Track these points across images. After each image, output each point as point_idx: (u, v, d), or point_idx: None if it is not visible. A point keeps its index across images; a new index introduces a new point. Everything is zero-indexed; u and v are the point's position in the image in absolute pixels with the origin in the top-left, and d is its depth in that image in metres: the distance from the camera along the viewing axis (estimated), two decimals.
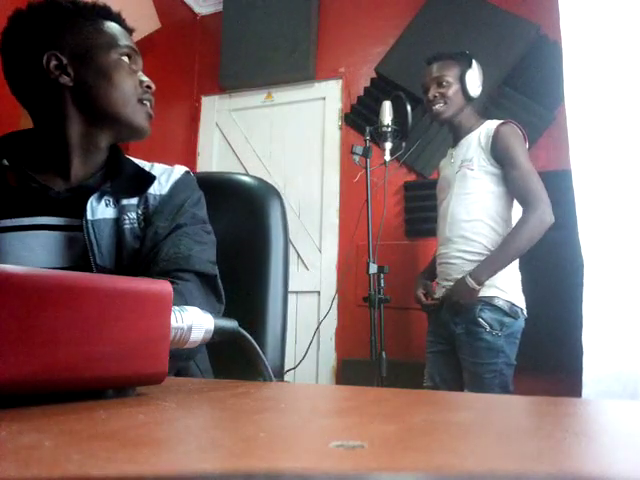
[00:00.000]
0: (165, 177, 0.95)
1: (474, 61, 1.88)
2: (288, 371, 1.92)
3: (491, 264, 1.69)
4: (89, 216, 0.85)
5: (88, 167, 0.92)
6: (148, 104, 0.93)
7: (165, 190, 0.92)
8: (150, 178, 0.92)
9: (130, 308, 0.34)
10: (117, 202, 0.89)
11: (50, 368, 0.30)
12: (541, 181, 1.73)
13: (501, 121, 1.81)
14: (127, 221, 0.87)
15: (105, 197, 0.88)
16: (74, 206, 0.86)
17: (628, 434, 0.26)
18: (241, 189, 1.12)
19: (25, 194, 0.87)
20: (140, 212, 0.89)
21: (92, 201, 0.86)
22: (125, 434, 0.24)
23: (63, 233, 0.86)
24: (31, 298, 0.29)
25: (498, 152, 1.76)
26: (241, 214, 1.09)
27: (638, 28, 1.75)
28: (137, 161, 0.98)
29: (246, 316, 0.95)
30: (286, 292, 1.06)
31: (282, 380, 1.05)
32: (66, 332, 0.31)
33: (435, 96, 1.87)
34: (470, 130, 1.86)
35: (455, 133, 1.93)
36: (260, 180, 1.14)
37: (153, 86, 0.94)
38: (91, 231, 0.84)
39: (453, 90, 1.85)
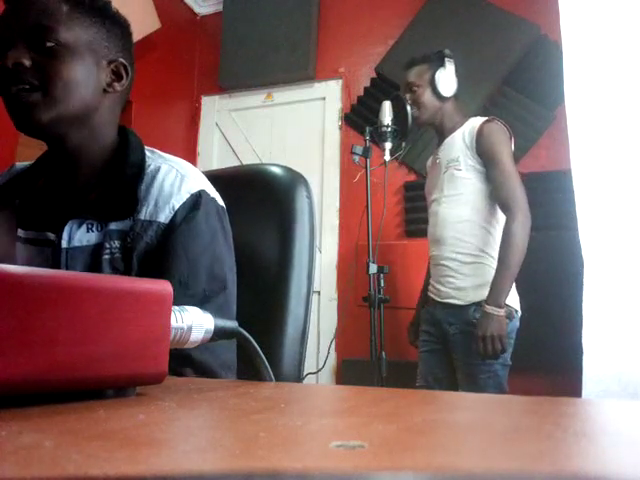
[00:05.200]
0: (165, 198, 0.77)
1: (447, 59, 1.86)
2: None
3: (502, 283, 1.64)
4: (64, 244, 0.76)
5: (84, 169, 0.81)
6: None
7: (160, 217, 0.77)
8: (134, 202, 0.77)
9: (130, 308, 0.34)
10: (105, 224, 0.77)
11: (50, 368, 0.30)
12: (521, 183, 1.70)
13: (485, 118, 1.79)
14: (107, 250, 0.76)
15: (88, 221, 0.77)
16: (55, 222, 0.78)
17: (628, 434, 0.26)
18: (264, 180, 1.01)
19: (34, 206, 0.82)
20: (129, 239, 0.76)
21: (72, 225, 0.77)
22: (125, 434, 0.24)
23: (36, 248, 0.79)
24: (31, 298, 0.29)
25: (482, 150, 1.74)
26: (265, 206, 0.98)
27: (638, 28, 1.75)
28: (149, 153, 0.84)
29: (264, 316, 0.92)
30: (310, 292, 0.95)
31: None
32: (66, 332, 0.31)
33: (409, 104, 1.88)
34: (453, 129, 1.85)
35: (438, 133, 1.92)
36: (285, 168, 1.02)
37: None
38: (63, 260, 0.76)
39: (424, 94, 1.85)
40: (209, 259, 0.77)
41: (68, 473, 0.17)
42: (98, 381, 0.33)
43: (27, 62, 0.72)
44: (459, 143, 1.80)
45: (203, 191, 0.80)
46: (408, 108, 2.04)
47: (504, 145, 1.74)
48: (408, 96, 1.88)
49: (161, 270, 0.75)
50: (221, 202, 0.84)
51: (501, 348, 1.62)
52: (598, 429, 0.29)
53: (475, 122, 1.80)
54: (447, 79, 1.86)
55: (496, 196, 1.73)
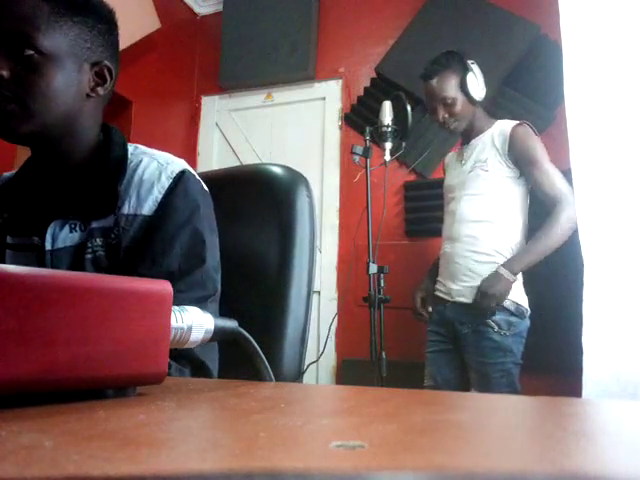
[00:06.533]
0: (147, 188, 0.76)
1: (468, 62, 1.85)
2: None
3: (525, 256, 1.71)
4: (48, 245, 0.75)
5: (68, 170, 0.80)
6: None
7: (144, 209, 0.76)
8: (114, 198, 0.76)
9: (130, 308, 0.34)
10: (88, 223, 0.76)
11: (50, 368, 0.30)
12: (566, 180, 1.74)
13: (515, 122, 1.80)
14: (90, 249, 0.75)
15: (71, 221, 0.76)
16: (40, 225, 0.77)
17: (628, 434, 0.26)
18: (264, 180, 1.00)
19: (22, 212, 0.82)
20: (113, 235, 0.75)
21: (55, 227, 0.76)
22: (125, 434, 0.24)
23: (23, 253, 0.78)
24: (31, 298, 0.29)
25: (517, 154, 1.76)
26: (265, 206, 0.98)
27: (638, 28, 1.75)
28: (132, 150, 0.82)
29: (265, 316, 0.92)
30: (310, 292, 0.95)
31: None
32: (66, 332, 0.31)
33: (445, 117, 1.85)
34: (482, 130, 1.86)
35: (465, 134, 1.92)
36: (285, 168, 1.01)
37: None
38: (48, 262, 0.75)
39: (460, 104, 1.83)
40: (187, 235, 0.76)
41: (68, 473, 0.17)
42: (98, 381, 0.33)
43: (5, 73, 0.70)
44: (488, 145, 1.81)
45: (182, 172, 0.79)
46: (408, 108, 2.04)
47: (539, 146, 1.77)
48: (443, 111, 1.84)
49: (139, 254, 0.74)
50: (203, 185, 0.83)
51: (494, 309, 1.69)
52: (598, 429, 0.29)
53: (504, 125, 1.81)
54: (478, 82, 1.85)
55: (544, 195, 1.76)
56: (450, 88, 1.83)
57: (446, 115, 1.85)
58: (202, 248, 0.76)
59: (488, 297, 1.68)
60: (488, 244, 1.76)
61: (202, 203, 0.79)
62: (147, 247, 0.75)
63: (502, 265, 1.70)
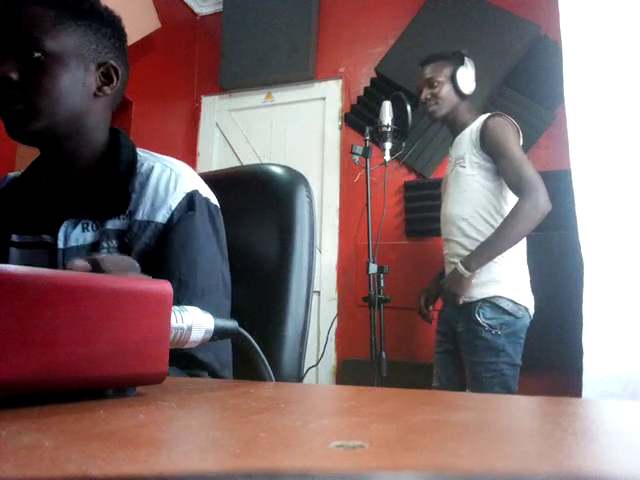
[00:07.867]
0: (162, 197, 0.79)
1: (466, 58, 1.88)
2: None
3: (481, 251, 1.67)
4: (60, 244, 0.77)
5: (77, 170, 0.82)
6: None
7: (157, 217, 0.78)
8: (126, 197, 0.78)
9: (130, 308, 0.34)
10: (101, 224, 0.78)
11: (50, 368, 0.30)
12: (533, 167, 1.70)
13: (489, 114, 1.80)
14: (105, 250, 0.76)
15: (83, 220, 0.78)
16: (51, 224, 0.79)
17: (628, 434, 0.26)
18: (264, 180, 1.01)
19: (28, 211, 0.83)
20: (127, 240, 0.77)
21: (67, 226, 0.78)
22: (125, 434, 0.24)
23: (32, 251, 0.79)
24: (31, 298, 0.29)
25: (488, 144, 1.74)
26: (265, 206, 0.98)
27: (638, 28, 1.75)
28: (141, 152, 0.85)
29: (265, 316, 0.92)
30: (310, 292, 0.95)
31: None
32: (66, 332, 0.31)
33: (427, 98, 1.88)
34: (464, 127, 1.86)
35: (452, 131, 1.93)
36: (285, 168, 1.01)
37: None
38: (60, 261, 0.76)
39: (445, 90, 1.86)
40: (205, 259, 0.79)
41: (68, 473, 0.17)
42: (98, 381, 0.33)
43: (15, 76, 0.73)
44: (466, 141, 1.81)
45: (196, 191, 0.81)
46: (408, 108, 2.04)
47: (509, 136, 1.74)
48: (427, 91, 1.88)
49: (161, 269, 0.76)
50: (214, 201, 0.85)
51: (456, 302, 1.72)
52: (598, 429, 0.29)
53: (481, 119, 1.80)
54: (467, 77, 1.87)
55: (510, 184, 1.72)
56: (440, 74, 1.87)
57: (428, 95, 1.88)
58: (219, 272, 0.80)
59: (447, 294, 1.73)
60: (479, 241, 1.75)
61: (213, 229, 0.82)
62: (173, 263, 0.76)
63: (460, 261, 1.69)
